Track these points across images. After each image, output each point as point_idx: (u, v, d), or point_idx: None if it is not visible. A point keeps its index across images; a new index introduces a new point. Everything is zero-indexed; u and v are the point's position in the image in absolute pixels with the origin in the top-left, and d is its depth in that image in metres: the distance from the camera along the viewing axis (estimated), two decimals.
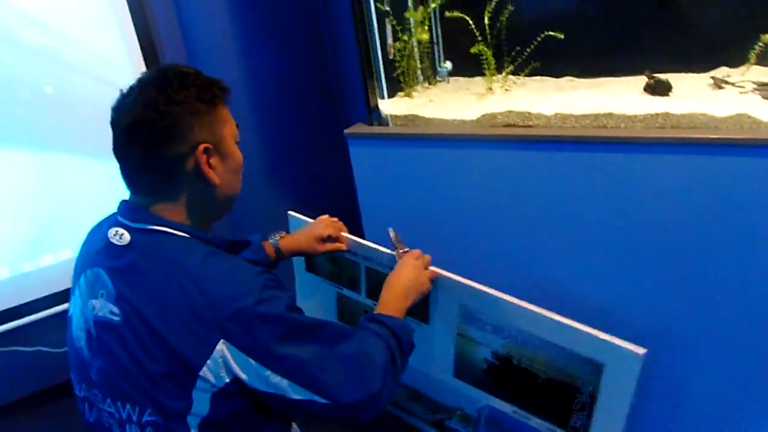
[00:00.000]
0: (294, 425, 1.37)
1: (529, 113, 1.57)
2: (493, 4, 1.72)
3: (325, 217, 1.60)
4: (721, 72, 1.60)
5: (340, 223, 1.59)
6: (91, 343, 1.12)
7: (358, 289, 1.63)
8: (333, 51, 2.46)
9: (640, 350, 1.17)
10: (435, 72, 1.99)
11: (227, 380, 1.04)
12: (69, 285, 1.23)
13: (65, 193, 1.97)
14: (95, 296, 1.11)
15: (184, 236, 1.10)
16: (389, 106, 1.80)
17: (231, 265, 1.09)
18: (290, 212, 1.69)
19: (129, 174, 1.11)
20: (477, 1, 1.81)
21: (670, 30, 1.77)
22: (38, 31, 1.82)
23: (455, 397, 1.56)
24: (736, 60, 1.59)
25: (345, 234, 1.57)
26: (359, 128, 1.81)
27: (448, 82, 2.00)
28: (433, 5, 1.79)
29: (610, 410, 1.27)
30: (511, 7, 1.71)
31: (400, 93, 1.91)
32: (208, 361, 1.03)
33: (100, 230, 1.17)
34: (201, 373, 1.03)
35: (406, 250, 1.46)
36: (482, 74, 1.86)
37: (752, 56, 1.51)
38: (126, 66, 1.97)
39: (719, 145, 1.30)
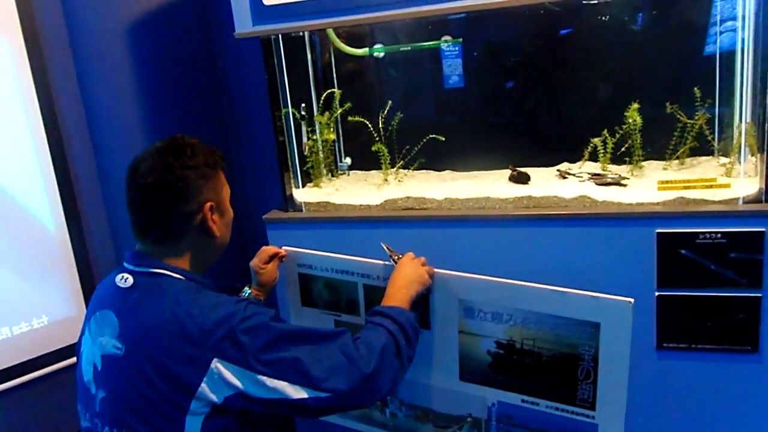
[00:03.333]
0: None
1: (424, 198, 1.92)
2: (386, 110, 2.10)
3: (262, 249, 1.82)
4: (564, 166, 2.07)
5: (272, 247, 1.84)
6: (96, 377, 1.25)
7: (356, 311, 1.72)
8: (236, 146, 2.73)
9: (629, 299, 1.41)
10: (337, 166, 2.32)
11: (228, 394, 1.18)
12: None
13: None
14: (102, 334, 1.27)
15: (180, 278, 1.28)
16: (303, 195, 2.09)
17: (219, 299, 1.28)
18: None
19: (142, 225, 1.31)
20: (373, 106, 2.19)
21: (524, 134, 2.27)
22: None
23: (463, 404, 1.67)
24: (573, 157, 2.07)
25: (286, 248, 1.81)
26: (276, 214, 2.05)
27: (348, 174, 2.33)
28: (338, 111, 2.13)
29: (612, 371, 1.45)
30: (400, 114, 2.10)
31: (309, 184, 2.20)
32: (205, 379, 1.17)
33: (108, 279, 1.33)
34: (199, 390, 1.17)
35: (400, 256, 1.65)
36: (377, 168, 2.21)
37: (586, 154, 1.99)
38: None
39: (569, 219, 1.72)
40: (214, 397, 1.19)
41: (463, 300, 1.63)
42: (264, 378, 1.19)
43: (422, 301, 1.62)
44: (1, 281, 2.07)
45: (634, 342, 1.61)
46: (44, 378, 2.18)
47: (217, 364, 1.18)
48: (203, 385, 1.18)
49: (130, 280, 1.28)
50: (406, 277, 1.56)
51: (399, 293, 1.51)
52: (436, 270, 1.68)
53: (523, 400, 1.62)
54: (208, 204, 1.32)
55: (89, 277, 2.26)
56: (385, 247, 1.73)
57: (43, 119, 2.12)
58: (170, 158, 1.28)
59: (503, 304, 1.57)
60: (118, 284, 1.29)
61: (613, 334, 1.49)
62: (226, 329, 1.19)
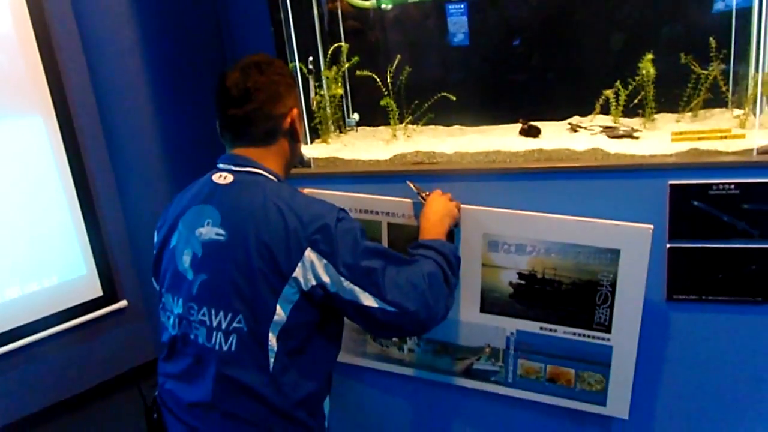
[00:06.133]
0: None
1: (434, 152, 1.91)
2: (395, 65, 2.07)
3: None
4: (575, 119, 2.05)
5: None
6: (195, 263, 1.35)
7: None
8: None
9: (649, 225, 1.52)
10: (345, 122, 2.30)
11: (313, 283, 1.31)
12: None
13: None
14: (201, 225, 1.37)
15: (273, 179, 1.43)
16: (311, 151, 2.08)
17: (313, 198, 1.45)
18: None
19: (238, 127, 1.43)
20: (379, 62, 2.16)
21: (534, 88, 2.23)
22: None
23: (482, 335, 1.80)
24: (584, 110, 2.05)
25: (308, 189, 1.89)
26: None
27: (356, 131, 2.31)
28: (346, 65, 2.10)
29: (629, 295, 1.57)
30: (408, 68, 2.07)
31: (317, 140, 2.19)
32: (299, 265, 1.30)
33: (202, 181, 1.47)
34: (293, 275, 1.30)
35: (428, 193, 1.72)
36: (384, 124, 2.19)
37: (597, 107, 1.96)
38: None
39: (581, 172, 1.71)
40: (302, 284, 1.31)
41: (487, 234, 1.73)
42: (342, 278, 1.32)
43: (448, 237, 1.69)
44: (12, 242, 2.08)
45: (644, 294, 1.63)
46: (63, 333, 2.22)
47: (310, 254, 1.31)
48: (297, 270, 1.30)
49: (230, 177, 1.41)
50: (438, 212, 1.65)
51: (435, 228, 1.61)
52: (462, 205, 1.74)
53: (541, 328, 1.75)
54: (295, 110, 1.47)
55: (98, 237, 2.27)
56: (412, 186, 1.78)
57: (48, 82, 2.10)
58: (263, 66, 1.42)
59: (527, 236, 1.68)
60: (217, 182, 1.41)
61: (632, 259, 1.59)
62: (322, 223, 1.32)
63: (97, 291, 2.30)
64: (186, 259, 1.39)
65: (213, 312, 1.33)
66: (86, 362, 2.29)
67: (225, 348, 1.32)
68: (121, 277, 2.36)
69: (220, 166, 1.45)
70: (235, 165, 1.43)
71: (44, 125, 2.11)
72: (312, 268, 1.32)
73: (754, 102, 1.75)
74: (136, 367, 2.42)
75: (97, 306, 2.30)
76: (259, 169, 1.43)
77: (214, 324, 1.33)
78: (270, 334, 1.32)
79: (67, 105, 2.15)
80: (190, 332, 1.37)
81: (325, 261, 1.32)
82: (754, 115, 1.75)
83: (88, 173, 2.23)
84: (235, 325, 1.32)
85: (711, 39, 1.77)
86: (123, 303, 2.35)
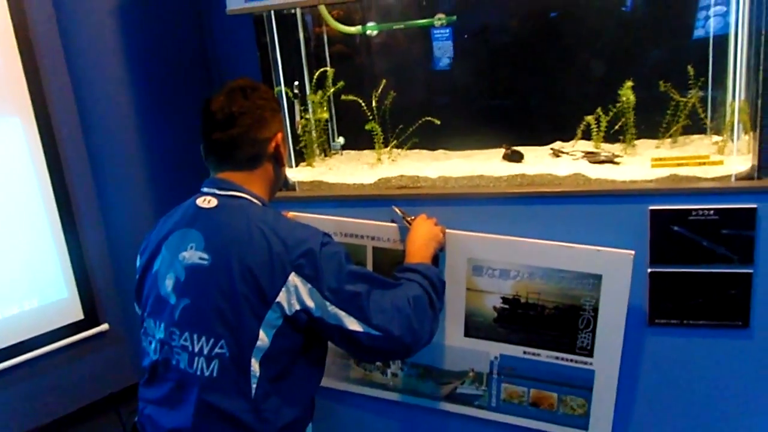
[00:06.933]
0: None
1: (418, 177, 1.92)
2: (380, 89, 2.09)
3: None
4: (557, 144, 2.07)
5: None
6: (178, 287, 1.34)
7: None
8: None
9: (630, 251, 1.55)
10: (330, 146, 2.31)
11: (297, 308, 1.31)
12: None
13: None
14: (185, 249, 1.37)
15: (258, 204, 1.43)
16: (296, 174, 2.08)
17: (298, 222, 1.49)
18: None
19: (222, 152, 1.43)
20: (365, 86, 2.18)
21: (517, 113, 2.26)
22: None
23: (466, 360, 1.81)
24: (566, 136, 2.07)
25: (292, 213, 1.90)
26: None
27: (341, 154, 2.32)
28: (331, 90, 2.12)
29: (611, 320, 1.60)
30: (393, 92, 2.09)
31: (302, 163, 2.19)
32: (283, 290, 1.30)
33: (185, 204, 1.47)
34: (277, 300, 1.30)
35: (413, 217, 1.74)
36: (369, 148, 2.20)
37: (578, 132, 1.99)
38: None
39: (564, 197, 1.73)
40: (286, 308, 1.31)
41: (471, 258, 1.75)
42: (327, 303, 1.32)
43: (434, 261, 1.69)
44: None
45: (626, 318, 1.64)
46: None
47: (294, 278, 1.31)
48: (281, 294, 1.30)
49: (214, 201, 1.41)
50: (424, 236, 1.67)
51: (420, 251, 1.63)
52: (447, 230, 1.75)
53: (525, 352, 1.76)
54: (280, 134, 1.47)
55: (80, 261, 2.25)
56: (397, 210, 1.79)
57: (32, 100, 2.10)
58: (248, 91, 1.43)
59: (511, 261, 1.70)
60: (201, 206, 1.41)
61: (614, 284, 1.62)
62: (307, 248, 1.32)
63: (78, 314, 2.28)
64: (169, 284, 1.38)
65: (195, 337, 1.32)
66: (66, 387, 2.26)
67: (207, 373, 1.31)
68: (103, 301, 2.34)
69: (205, 189, 1.45)
70: (220, 189, 1.43)
71: (27, 145, 2.10)
72: (296, 292, 1.31)
73: (732, 129, 1.78)
74: (117, 391, 2.38)
75: (77, 329, 2.27)
76: (244, 193, 1.42)
77: (196, 349, 1.32)
78: (252, 360, 1.31)
79: (51, 126, 2.14)
80: (171, 357, 1.36)
81: (309, 285, 1.31)
82: (732, 141, 1.79)
83: (70, 195, 2.22)
84: (217, 350, 1.31)
85: (689, 67, 1.81)
86: (104, 326, 2.33)
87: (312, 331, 1.37)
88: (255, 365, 1.31)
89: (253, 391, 1.32)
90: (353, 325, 1.33)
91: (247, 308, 1.29)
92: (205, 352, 1.31)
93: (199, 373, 1.32)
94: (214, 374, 1.31)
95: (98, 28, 2.28)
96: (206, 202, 1.41)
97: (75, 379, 2.28)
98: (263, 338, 1.31)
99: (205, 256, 1.34)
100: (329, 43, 2.31)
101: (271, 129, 1.45)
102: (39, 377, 2.18)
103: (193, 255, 1.35)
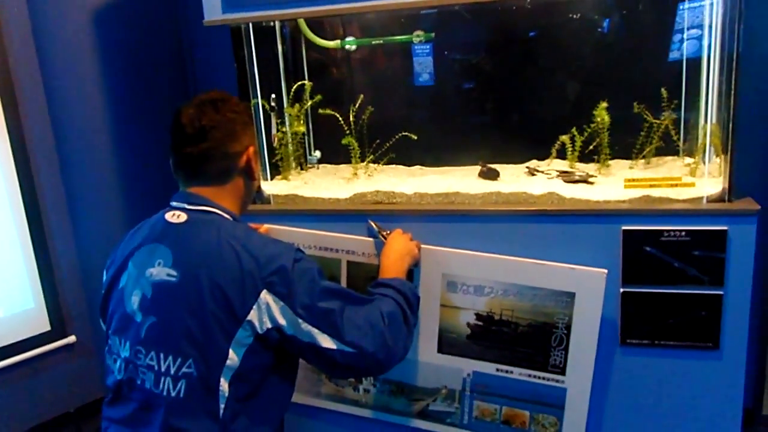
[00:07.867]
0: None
1: (394, 192, 1.92)
2: (357, 104, 2.09)
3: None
4: (533, 163, 2.08)
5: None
6: (145, 304, 1.30)
7: None
8: None
9: (603, 270, 1.57)
10: (306, 159, 2.30)
11: (269, 326, 1.28)
12: None
13: None
14: (152, 265, 1.33)
15: (228, 218, 1.39)
16: (271, 187, 2.06)
17: (269, 238, 1.45)
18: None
19: (192, 166, 1.39)
20: (343, 100, 2.18)
21: (494, 131, 2.28)
22: None
23: (439, 376, 1.80)
24: (542, 154, 2.08)
25: (267, 225, 1.87)
26: None
27: (317, 168, 2.31)
28: (309, 103, 2.11)
29: (583, 338, 1.61)
30: (371, 108, 2.09)
31: (278, 176, 2.18)
32: (254, 308, 1.27)
33: (154, 219, 1.42)
34: (248, 318, 1.26)
35: (388, 232, 1.73)
36: (346, 162, 2.20)
37: (553, 152, 2.00)
38: None
39: (538, 215, 1.73)
40: (257, 327, 1.27)
41: (446, 274, 1.74)
42: (300, 320, 1.29)
43: (408, 276, 1.69)
44: None
45: (598, 337, 1.65)
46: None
47: (266, 296, 1.28)
48: (252, 312, 1.27)
49: (183, 216, 1.37)
50: (398, 251, 1.66)
51: (395, 266, 1.61)
52: (423, 245, 1.75)
53: (497, 369, 1.76)
54: (251, 148, 1.44)
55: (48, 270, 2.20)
56: (373, 225, 1.78)
57: (2, 105, 2.05)
58: (219, 104, 1.39)
59: (486, 277, 1.70)
60: (170, 221, 1.37)
61: (587, 303, 1.63)
62: (279, 265, 1.29)
63: (44, 325, 2.22)
64: (135, 301, 1.34)
65: (162, 356, 1.28)
66: (29, 400, 2.19)
67: (173, 394, 1.27)
68: (71, 312, 2.28)
69: (174, 204, 1.41)
70: (189, 204, 1.39)
71: None
72: (268, 310, 1.28)
73: (704, 151, 1.81)
74: (82, 406, 2.33)
75: (43, 341, 2.21)
76: (214, 207, 1.39)
77: (163, 369, 1.28)
78: (222, 380, 1.27)
79: (22, 135, 2.10)
80: (136, 377, 1.32)
81: (281, 303, 1.28)
82: (704, 164, 1.81)
83: (40, 202, 2.16)
84: (184, 370, 1.27)
85: (663, 89, 1.83)
86: (71, 338, 2.27)
87: (283, 348, 1.35)
88: (224, 385, 1.28)
89: (221, 412, 1.28)
90: (326, 342, 1.30)
91: (216, 326, 1.26)
92: (172, 371, 1.28)
93: (165, 393, 1.28)
94: (181, 395, 1.27)
95: (74, 35, 2.25)
96: (175, 216, 1.37)
97: (39, 392, 2.21)
98: (233, 357, 1.27)
99: (174, 272, 1.30)
100: (308, 57, 2.31)
101: (242, 143, 1.42)
102: (0, 390, 2.12)
103: (161, 271, 1.31)
